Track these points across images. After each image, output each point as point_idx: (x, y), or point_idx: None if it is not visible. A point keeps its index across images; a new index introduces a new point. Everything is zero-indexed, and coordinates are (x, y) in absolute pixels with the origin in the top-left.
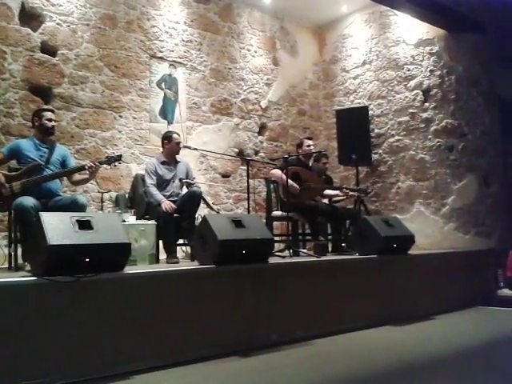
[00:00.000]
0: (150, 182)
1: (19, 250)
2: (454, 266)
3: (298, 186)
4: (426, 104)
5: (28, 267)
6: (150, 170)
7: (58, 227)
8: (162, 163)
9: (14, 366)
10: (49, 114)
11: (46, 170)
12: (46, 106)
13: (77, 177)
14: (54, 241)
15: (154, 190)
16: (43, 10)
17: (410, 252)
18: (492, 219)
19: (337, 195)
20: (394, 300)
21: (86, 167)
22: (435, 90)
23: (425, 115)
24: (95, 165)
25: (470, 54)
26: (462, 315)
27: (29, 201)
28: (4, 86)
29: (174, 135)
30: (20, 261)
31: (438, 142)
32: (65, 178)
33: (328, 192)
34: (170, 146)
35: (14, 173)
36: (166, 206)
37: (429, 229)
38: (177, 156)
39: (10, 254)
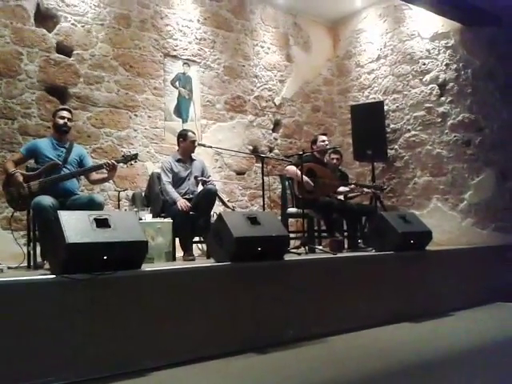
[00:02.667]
0: (166, 179)
1: (38, 249)
2: (472, 261)
3: (312, 183)
4: (443, 98)
5: (46, 265)
6: (166, 168)
7: (76, 226)
8: (178, 161)
9: (31, 362)
10: (62, 113)
11: (64, 169)
12: (62, 106)
13: (95, 176)
14: (72, 239)
15: (170, 188)
16: (58, 10)
17: (427, 248)
18: (510, 214)
19: (351, 191)
20: (412, 296)
21: (104, 166)
22: (451, 84)
23: (441, 109)
24: (112, 163)
25: (486, 48)
26: (481, 311)
27: (47, 200)
28: (21, 86)
29: (189, 133)
30: (39, 259)
31: (455, 136)
32: (83, 177)
33: (341, 189)
34: (185, 144)
35: (31, 172)
36: (182, 205)
37: (446, 224)
38: (192, 154)
39: (28, 253)
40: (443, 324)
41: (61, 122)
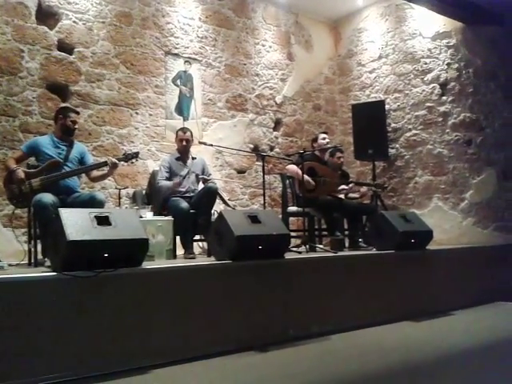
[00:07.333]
0: (160, 177)
1: (39, 246)
2: (472, 261)
3: (313, 182)
4: (444, 97)
5: (47, 263)
6: (163, 166)
7: (76, 223)
8: (177, 159)
9: (34, 360)
10: (74, 116)
11: (65, 167)
12: (72, 107)
13: (95, 173)
14: (73, 236)
15: (162, 182)
16: (59, 8)
17: (428, 247)
18: (511, 213)
19: (352, 190)
20: (412, 296)
21: (105, 164)
22: (453, 84)
23: (442, 109)
24: (114, 162)
25: (487, 47)
26: (481, 311)
27: (48, 197)
28: (22, 84)
29: (179, 132)
30: (39, 257)
31: (456, 135)
32: (83, 174)
33: (343, 187)
34: (176, 143)
35: (32, 170)
36: (175, 185)
37: (447, 224)
38: (192, 152)
39: (29, 250)
40: (443, 323)
41: (72, 126)
